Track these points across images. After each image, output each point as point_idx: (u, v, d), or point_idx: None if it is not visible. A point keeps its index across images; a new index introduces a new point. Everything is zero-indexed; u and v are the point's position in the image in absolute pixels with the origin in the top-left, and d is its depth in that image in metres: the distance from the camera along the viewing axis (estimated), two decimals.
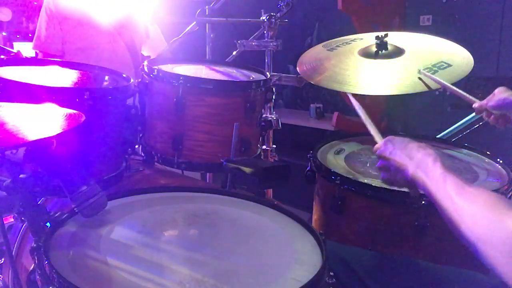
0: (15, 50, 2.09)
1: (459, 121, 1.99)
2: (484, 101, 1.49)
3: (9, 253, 1.13)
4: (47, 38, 2.34)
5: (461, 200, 0.87)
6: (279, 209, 1.22)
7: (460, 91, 1.59)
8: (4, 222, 1.02)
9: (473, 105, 1.54)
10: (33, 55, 2.39)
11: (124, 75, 1.63)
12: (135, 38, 2.48)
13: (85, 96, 1.34)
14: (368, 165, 1.61)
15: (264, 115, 1.82)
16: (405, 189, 1.12)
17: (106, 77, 1.65)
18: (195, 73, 1.71)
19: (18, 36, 3.66)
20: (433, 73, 1.63)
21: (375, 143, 1.23)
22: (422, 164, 1.00)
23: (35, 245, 0.94)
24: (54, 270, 0.85)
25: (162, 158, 1.63)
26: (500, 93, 1.46)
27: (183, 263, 0.96)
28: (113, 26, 2.39)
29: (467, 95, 1.59)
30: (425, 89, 1.61)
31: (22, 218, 1.04)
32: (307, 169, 1.65)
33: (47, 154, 1.02)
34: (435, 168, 0.97)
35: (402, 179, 1.06)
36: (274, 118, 1.95)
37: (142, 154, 1.72)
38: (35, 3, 3.65)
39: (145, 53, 2.60)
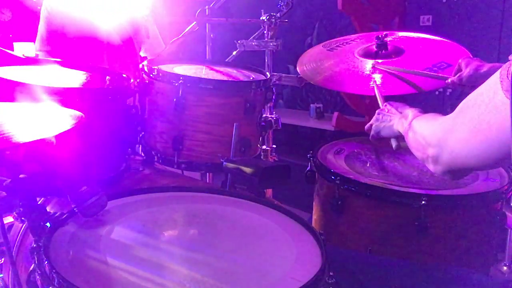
0: (14, 52, 2.09)
1: None
2: (456, 78, 1.50)
3: (9, 253, 1.13)
4: (49, 39, 2.34)
5: (418, 120, 1.13)
6: (279, 209, 1.22)
7: (425, 72, 1.61)
8: (4, 222, 1.01)
9: (446, 81, 1.54)
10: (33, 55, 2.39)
11: (124, 75, 1.63)
12: (134, 39, 2.47)
13: (85, 96, 1.34)
14: (368, 165, 1.61)
15: (264, 115, 1.82)
16: (393, 143, 1.38)
17: (106, 77, 1.65)
18: (195, 73, 1.71)
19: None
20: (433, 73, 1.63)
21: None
22: (405, 114, 1.23)
23: (35, 245, 0.94)
24: (54, 270, 0.85)
25: (162, 158, 1.63)
26: (469, 65, 1.47)
27: (183, 263, 0.96)
28: (112, 27, 2.39)
29: (435, 74, 1.60)
30: (426, 89, 1.62)
31: (22, 218, 1.04)
32: (307, 169, 1.65)
33: (47, 154, 1.02)
34: (413, 114, 1.18)
35: (388, 128, 1.35)
36: (274, 118, 1.95)
37: (142, 154, 1.72)
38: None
39: (142, 53, 2.60)
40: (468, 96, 0.89)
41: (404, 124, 1.22)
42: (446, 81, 1.54)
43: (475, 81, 1.45)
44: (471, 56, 1.68)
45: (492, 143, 0.82)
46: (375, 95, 1.60)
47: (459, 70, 1.51)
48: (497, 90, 0.80)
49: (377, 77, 1.66)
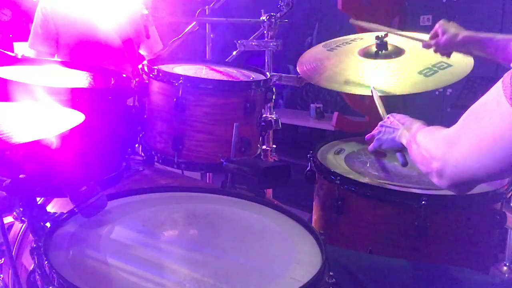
0: (13, 54, 2.09)
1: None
2: (433, 42, 1.52)
3: (9, 253, 1.13)
4: (42, 38, 2.34)
5: (421, 134, 1.12)
6: (279, 209, 1.22)
7: (402, 32, 1.67)
8: (4, 222, 1.01)
9: (422, 45, 1.57)
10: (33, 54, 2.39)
11: (124, 75, 1.63)
12: (133, 39, 2.47)
13: (85, 96, 1.34)
14: (368, 165, 1.61)
15: (264, 115, 1.82)
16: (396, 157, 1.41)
17: (106, 77, 1.65)
18: (195, 73, 1.71)
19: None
20: (433, 73, 1.63)
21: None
22: (409, 127, 1.24)
23: (35, 245, 0.94)
24: (54, 270, 0.85)
25: (162, 158, 1.63)
26: (445, 32, 1.47)
27: (183, 263, 0.96)
28: (112, 27, 2.38)
29: (412, 36, 1.65)
30: (426, 89, 1.62)
31: (22, 218, 1.04)
32: (307, 169, 1.65)
33: (47, 154, 1.02)
34: (416, 128, 1.18)
35: (391, 141, 1.36)
36: (274, 118, 1.95)
37: (142, 154, 1.72)
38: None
39: (142, 52, 2.60)
40: (471, 107, 0.88)
41: (407, 136, 1.22)
42: (422, 44, 1.56)
43: (451, 48, 1.49)
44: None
45: (497, 154, 0.81)
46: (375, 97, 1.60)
47: (436, 35, 1.51)
48: (500, 99, 0.79)
49: (377, 88, 1.65)
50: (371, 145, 1.46)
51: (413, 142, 1.13)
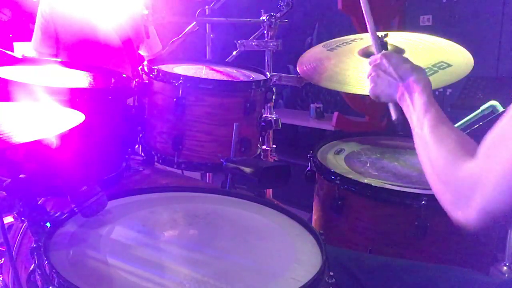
0: (15, 53, 2.10)
1: (458, 121, 1.99)
2: None
3: (9, 253, 1.13)
4: (43, 40, 2.35)
5: (432, 137, 0.95)
6: (279, 209, 1.22)
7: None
8: (4, 222, 1.01)
9: None
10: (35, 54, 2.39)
11: (124, 75, 1.63)
12: (133, 39, 2.47)
13: (85, 96, 1.34)
14: (368, 165, 1.61)
15: (264, 115, 1.82)
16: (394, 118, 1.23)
17: (106, 77, 1.65)
18: (195, 73, 1.71)
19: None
20: (433, 73, 1.63)
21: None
22: (411, 89, 1.07)
23: (35, 245, 0.95)
24: (54, 270, 0.85)
25: (162, 158, 1.63)
26: None
27: (183, 263, 0.96)
28: (112, 27, 2.38)
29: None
30: None
31: (22, 218, 1.04)
32: (307, 169, 1.65)
33: (47, 154, 1.02)
34: (421, 97, 1.02)
35: (389, 96, 1.16)
36: (274, 118, 1.95)
37: (142, 154, 1.72)
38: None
39: (142, 52, 2.60)
40: (485, 140, 0.79)
41: (409, 107, 1.05)
42: None
43: None
44: (471, 56, 1.68)
45: None
46: None
47: None
48: None
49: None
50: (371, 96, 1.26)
51: (418, 137, 0.98)
